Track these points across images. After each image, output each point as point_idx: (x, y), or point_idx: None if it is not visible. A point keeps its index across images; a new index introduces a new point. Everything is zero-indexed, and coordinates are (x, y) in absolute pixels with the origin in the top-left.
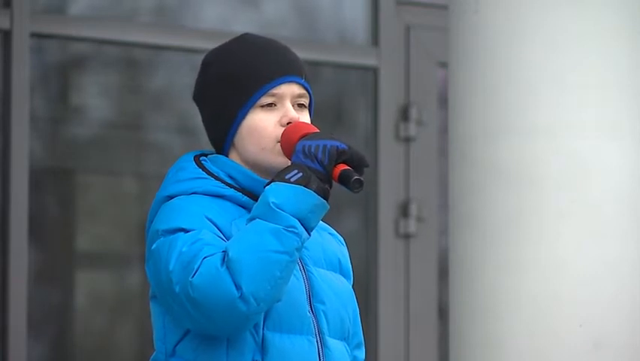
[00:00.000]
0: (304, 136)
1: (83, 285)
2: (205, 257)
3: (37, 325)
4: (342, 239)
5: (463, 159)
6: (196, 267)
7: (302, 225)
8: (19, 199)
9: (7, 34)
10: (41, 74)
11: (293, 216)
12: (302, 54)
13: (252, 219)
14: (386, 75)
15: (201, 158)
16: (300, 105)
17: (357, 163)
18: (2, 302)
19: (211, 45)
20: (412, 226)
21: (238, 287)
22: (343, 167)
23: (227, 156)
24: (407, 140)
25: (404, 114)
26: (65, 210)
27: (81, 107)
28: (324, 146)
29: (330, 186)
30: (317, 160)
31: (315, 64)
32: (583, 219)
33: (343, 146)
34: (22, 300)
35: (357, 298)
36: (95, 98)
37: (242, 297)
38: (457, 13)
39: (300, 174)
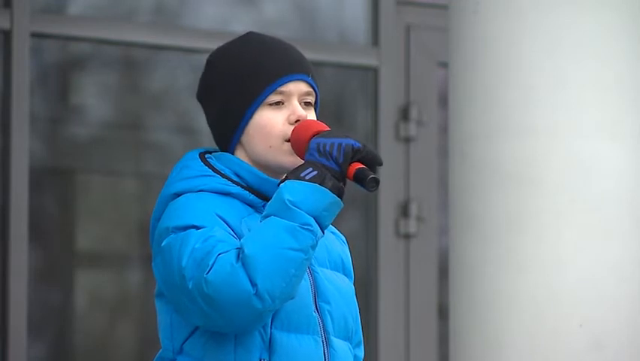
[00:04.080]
0: (316, 134)
1: (83, 285)
2: (219, 254)
3: (37, 325)
4: (344, 238)
5: (463, 159)
6: (210, 263)
7: (317, 223)
8: (19, 199)
9: (7, 34)
10: (41, 74)
11: (308, 213)
12: (302, 53)
13: (266, 216)
14: (386, 75)
15: (207, 155)
16: (307, 103)
17: (372, 162)
18: (2, 302)
19: (210, 45)
20: (412, 226)
21: (253, 284)
22: (358, 165)
23: (233, 155)
24: (407, 140)
25: (404, 114)
26: (65, 210)
27: (81, 107)
28: (340, 144)
29: (344, 185)
30: (332, 158)
31: (315, 64)
32: (583, 219)
33: (358, 144)
34: (22, 300)
35: (357, 297)
36: (94, 98)
37: (257, 294)
38: (457, 13)
39: (315, 172)
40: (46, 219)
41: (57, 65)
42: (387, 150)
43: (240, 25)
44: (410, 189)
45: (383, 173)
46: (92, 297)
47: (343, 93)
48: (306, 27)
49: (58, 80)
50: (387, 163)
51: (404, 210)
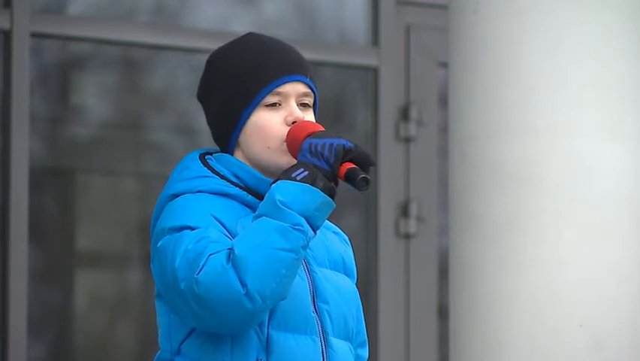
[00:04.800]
0: (310, 135)
1: (83, 285)
2: (211, 254)
3: (37, 325)
4: (346, 238)
5: (463, 159)
6: (201, 264)
7: (308, 223)
8: (19, 199)
9: (7, 34)
10: (41, 74)
11: (299, 214)
12: (302, 54)
13: (258, 216)
14: (386, 75)
15: (206, 156)
16: (305, 105)
17: (364, 162)
18: (2, 302)
19: (210, 45)
20: (412, 226)
21: (243, 284)
22: (349, 165)
23: (232, 155)
24: (407, 140)
25: (404, 114)
26: (65, 210)
27: (81, 107)
28: (331, 144)
29: (337, 185)
30: (323, 158)
31: (316, 64)
32: (583, 219)
33: (350, 144)
34: (22, 300)
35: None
36: (94, 98)
37: (247, 294)
38: (457, 13)
39: (307, 172)
40: (46, 219)
41: (57, 65)
42: (387, 150)
43: (240, 25)
44: (410, 189)
45: (383, 173)
46: (92, 297)
47: (343, 93)
48: (306, 27)
49: (58, 80)
50: (387, 163)
51: (404, 210)
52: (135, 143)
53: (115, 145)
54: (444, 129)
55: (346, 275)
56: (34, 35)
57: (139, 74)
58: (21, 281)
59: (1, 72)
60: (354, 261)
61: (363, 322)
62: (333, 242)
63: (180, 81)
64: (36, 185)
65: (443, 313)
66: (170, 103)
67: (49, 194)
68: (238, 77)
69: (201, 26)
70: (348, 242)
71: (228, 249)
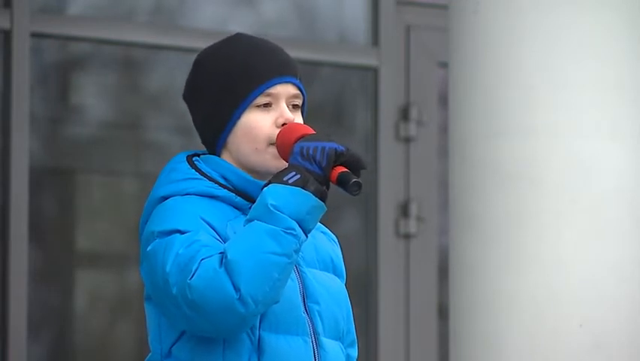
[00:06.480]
0: (301, 138)
1: (83, 285)
2: (203, 259)
3: (37, 325)
4: (334, 237)
5: (463, 159)
6: (194, 269)
7: (300, 226)
8: (19, 199)
9: (7, 34)
10: (41, 74)
11: (291, 217)
12: (302, 54)
13: (250, 220)
14: (386, 75)
15: (194, 158)
16: (295, 106)
17: (355, 165)
18: (2, 302)
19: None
20: (412, 226)
21: (237, 289)
22: (341, 169)
23: (219, 157)
24: (407, 140)
25: (404, 114)
26: (65, 210)
27: (81, 107)
28: (323, 148)
29: (328, 188)
30: (315, 162)
31: (315, 64)
32: (583, 219)
33: (341, 148)
34: (22, 300)
35: (357, 298)
36: (94, 98)
37: (240, 298)
38: (457, 13)
39: (298, 175)
40: (46, 219)
41: (57, 65)
42: (387, 150)
43: (239, 25)
44: (410, 189)
45: (383, 173)
46: (92, 297)
47: (343, 93)
48: (305, 27)
49: (58, 80)
50: (387, 163)
51: (404, 210)
52: (135, 143)
53: (115, 145)
54: (444, 129)
55: (335, 275)
56: (34, 35)
57: (138, 73)
58: (21, 281)
59: (1, 72)
60: (342, 260)
61: (353, 322)
62: (322, 242)
63: (179, 81)
64: (36, 185)
65: (443, 313)
66: (170, 103)
67: (49, 194)
68: (228, 77)
69: (200, 26)
70: (337, 242)
71: (220, 253)
